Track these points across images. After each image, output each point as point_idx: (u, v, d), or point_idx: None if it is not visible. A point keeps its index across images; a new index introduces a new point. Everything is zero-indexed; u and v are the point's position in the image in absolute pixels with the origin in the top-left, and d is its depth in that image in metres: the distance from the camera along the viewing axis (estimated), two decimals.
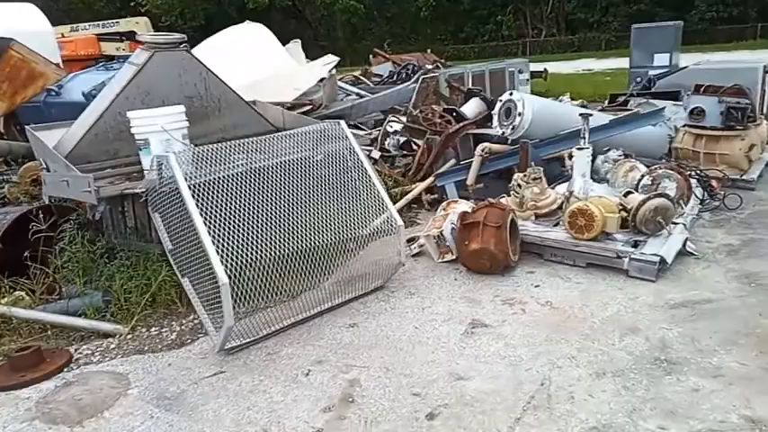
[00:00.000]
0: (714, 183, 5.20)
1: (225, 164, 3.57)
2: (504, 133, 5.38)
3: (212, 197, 3.31)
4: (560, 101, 6.85)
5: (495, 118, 5.50)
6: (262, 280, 3.27)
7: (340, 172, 3.82)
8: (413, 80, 8.42)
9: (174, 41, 5.01)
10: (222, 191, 3.37)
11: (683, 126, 6.07)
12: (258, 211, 3.42)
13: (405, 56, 16.99)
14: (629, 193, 4.37)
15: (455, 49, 37.67)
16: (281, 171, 3.58)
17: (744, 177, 5.73)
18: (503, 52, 34.66)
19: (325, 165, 3.78)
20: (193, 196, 3.21)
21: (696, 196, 4.98)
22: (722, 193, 5.20)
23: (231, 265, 3.11)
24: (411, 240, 4.59)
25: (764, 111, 7.85)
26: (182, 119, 4.03)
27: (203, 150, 3.53)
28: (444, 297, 3.83)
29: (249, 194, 3.46)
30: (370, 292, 3.93)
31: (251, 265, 3.30)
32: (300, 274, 3.50)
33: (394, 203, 5.35)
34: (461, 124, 5.67)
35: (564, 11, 34.33)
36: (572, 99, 9.73)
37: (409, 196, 5.31)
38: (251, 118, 5.77)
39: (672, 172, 4.55)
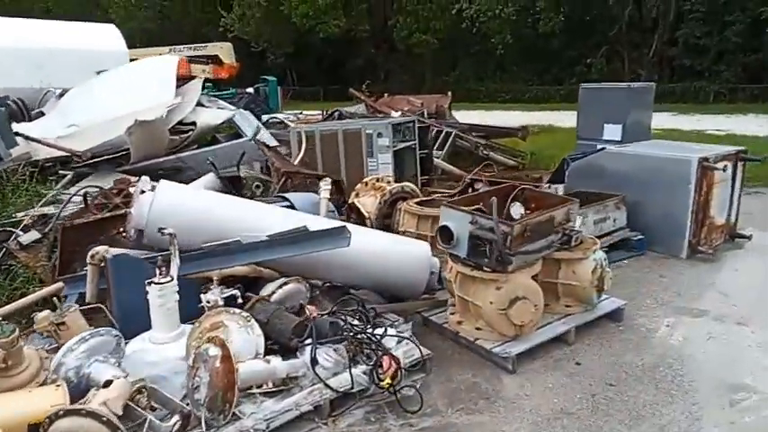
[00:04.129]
0: (386, 360, 3.15)
1: None
2: (128, 236, 3.78)
3: None
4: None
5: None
6: None
7: None
8: (249, 137, 6.93)
9: None
10: None
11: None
12: None
13: (413, 98, 15.49)
14: (109, 383, 2.61)
15: (540, 91, 34.94)
16: None
17: (493, 350, 3.55)
18: None
19: None
20: None
21: (320, 382, 3.01)
22: (397, 378, 3.15)
23: None
24: None
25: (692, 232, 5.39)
26: None
27: None
28: None
29: None
30: None
31: None
32: None
33: None
34: (93, 216, 4.13)
35: (668, 55, 30.18)
36: None
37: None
38: None
39: (215, 350, 2.68)
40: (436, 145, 10.60)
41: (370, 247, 4.00)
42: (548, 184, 6.83)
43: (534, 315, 3.60)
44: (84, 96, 9.14)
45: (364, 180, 5.73)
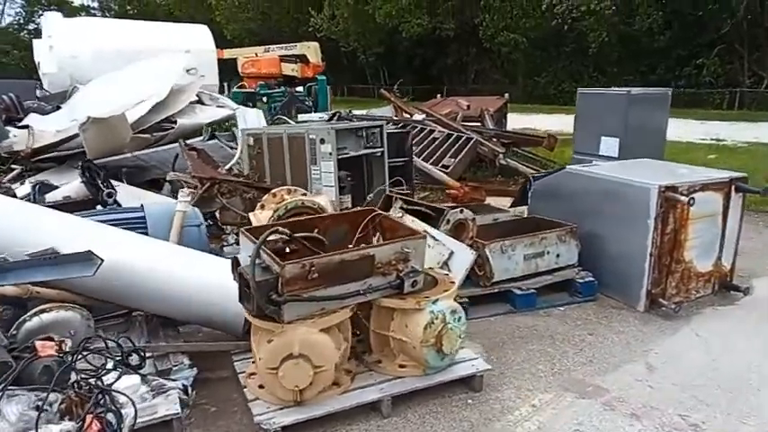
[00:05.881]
0: (88, 419, 2.59)
1: None
2: None
3: None
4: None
5: None
6: None
7: None
8: (179, 144, 6.60)
9: None
10: None
11: None
12: None
13: (462, 100, 14.63)
14: None
15: None
16: None
17: (257, 417, 2.85)
18: (701, 102, 28.00)
19: None
20: None
21: None
22: None
23: None
24: None
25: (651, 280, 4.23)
26: None
27: None
28: None
29: None
30: None
31: None
32: None
33: None
34: None
35: None
36: None
37: None
38: None
39: None
40: (450, 152, 9.76)
41: (168, 270, 3.44)
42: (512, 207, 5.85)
43: (318, 378, 2.85)
44: (93, 92, 9.42)
45: (273, 191, 5.16)
